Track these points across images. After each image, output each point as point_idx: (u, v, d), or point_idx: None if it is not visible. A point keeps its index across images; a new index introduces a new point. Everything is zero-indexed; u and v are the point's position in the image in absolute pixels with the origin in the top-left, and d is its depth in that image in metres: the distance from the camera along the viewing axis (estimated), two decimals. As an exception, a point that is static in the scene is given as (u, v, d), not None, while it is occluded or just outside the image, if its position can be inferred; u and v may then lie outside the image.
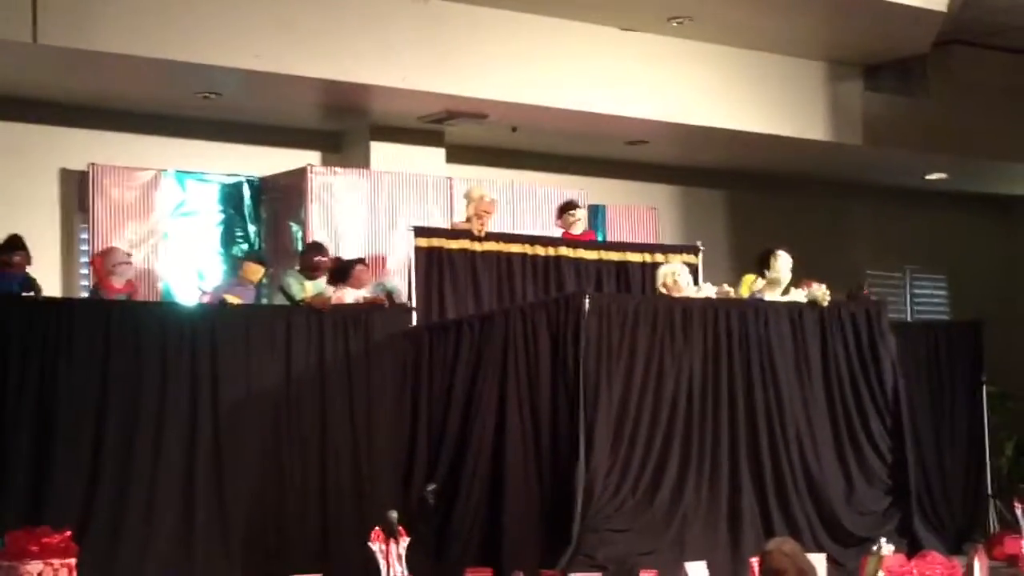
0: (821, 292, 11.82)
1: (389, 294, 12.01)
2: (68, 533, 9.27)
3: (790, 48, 14.90)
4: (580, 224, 13.26)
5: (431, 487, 10.88)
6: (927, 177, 17.43)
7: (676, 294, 11.48)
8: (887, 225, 18.06)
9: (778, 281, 12.03)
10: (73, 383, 10.42)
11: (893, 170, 17.00)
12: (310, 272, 11.97)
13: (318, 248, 12.22)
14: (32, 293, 10.89)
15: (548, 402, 10.64)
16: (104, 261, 11.58)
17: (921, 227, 18.36)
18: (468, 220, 12.58)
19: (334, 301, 11.75)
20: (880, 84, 15.54)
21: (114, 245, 12.15)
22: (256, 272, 12.21)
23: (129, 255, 11.86)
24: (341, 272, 12.18)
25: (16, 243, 11.14)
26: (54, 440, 10.27)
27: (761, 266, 12.13)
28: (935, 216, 18.38)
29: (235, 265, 12.70)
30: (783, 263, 12.04)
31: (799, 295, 11.87)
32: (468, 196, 12.72)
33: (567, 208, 13.24)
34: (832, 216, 17.39)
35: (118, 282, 11.39)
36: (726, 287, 11.90)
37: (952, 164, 16.94)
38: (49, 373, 10.35)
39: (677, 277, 11.62)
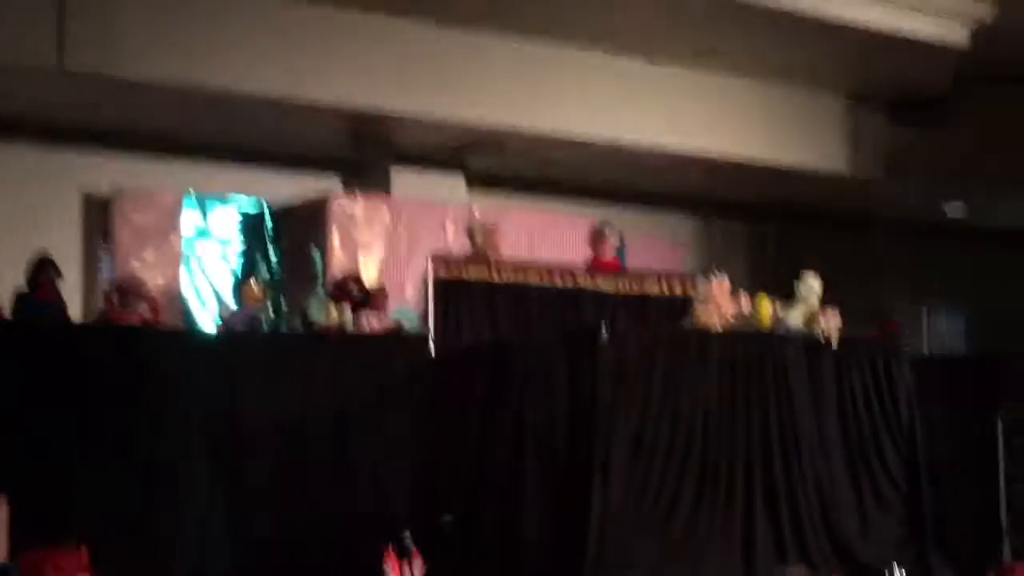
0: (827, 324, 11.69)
1: (404, 324, 12.02)
2: (84, 551, 9.26)
3: (813, 81, 14.92)
4: (612, 249, 13.03)
5: (447, 518, 10.88)
6: (947, 211, 17.39)
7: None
8: (907, 259, 18.01)
9: (807, 302, 11.93)
10: (92, 410, 10.46)
11: (914, 204, 16.97)
12: (338, 296, 11.89)
13: (354, 279, 12.22)
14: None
15: (564, 433, 10.63)
16: (117, 296, 11.51)
17: (941, 261, 18.31)
18: (477, 251, 12.53)
19: (359, 325, 11.74)
20: (903, 118, 15.54)
21: (133, 276, 12.08)
22: (259, 290, 12.14)
23: (143, 287, 11.66)
24: (363, 297, 12.17)
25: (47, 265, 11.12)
26: (73, 464, 10.32)
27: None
28: (955, 250, 18.32)
29: (238, 291, 12.50)
30: (810, 286, 11.93)
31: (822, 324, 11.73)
32: (473, 228, 12.62)
33: (602, 232, 12.94)
34: (853, 249, 17.34)
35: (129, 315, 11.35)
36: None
37: (973, 198, 16.91)
38: (70, 400, 10.40)
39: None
